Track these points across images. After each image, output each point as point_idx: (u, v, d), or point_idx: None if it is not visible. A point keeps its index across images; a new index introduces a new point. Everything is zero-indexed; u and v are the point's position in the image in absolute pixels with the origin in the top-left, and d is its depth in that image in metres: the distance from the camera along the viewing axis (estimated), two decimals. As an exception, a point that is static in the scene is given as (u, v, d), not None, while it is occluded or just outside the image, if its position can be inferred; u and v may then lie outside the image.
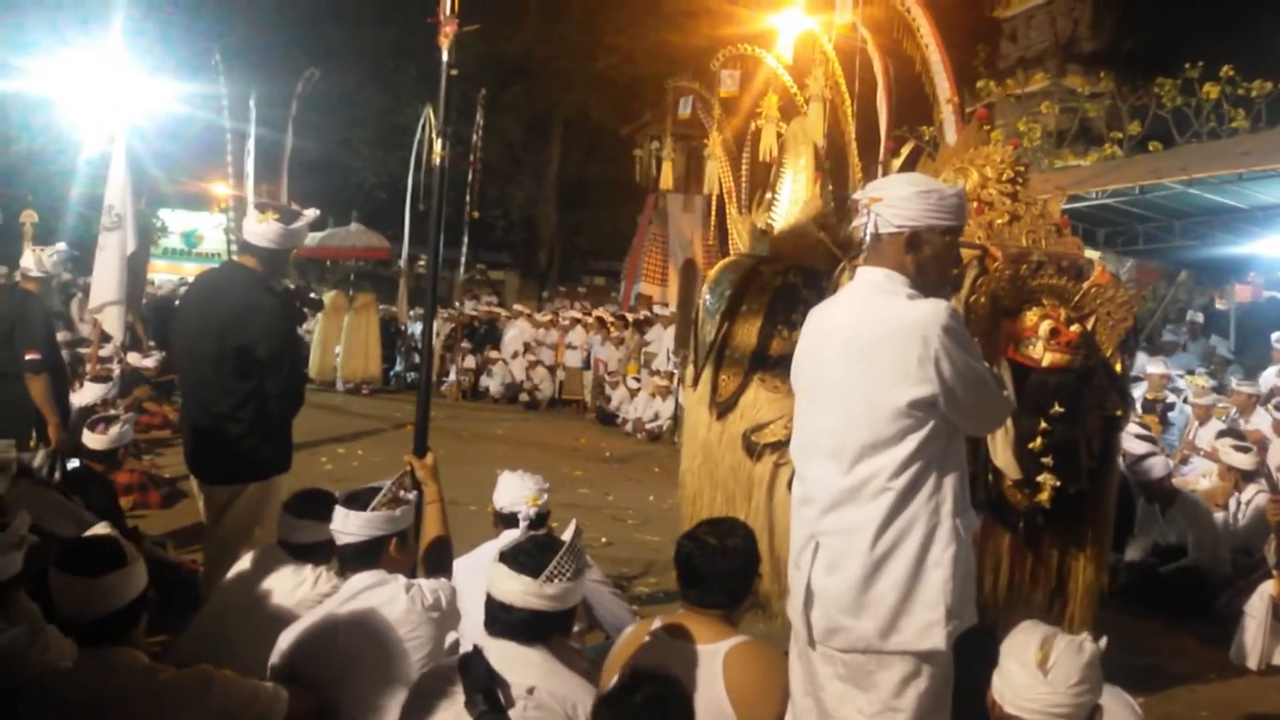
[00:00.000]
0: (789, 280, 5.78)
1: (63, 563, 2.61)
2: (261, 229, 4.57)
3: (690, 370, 6.18)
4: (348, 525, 3.15)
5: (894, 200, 2.69)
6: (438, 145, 3.84)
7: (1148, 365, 10.08)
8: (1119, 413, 4.25)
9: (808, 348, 2.90)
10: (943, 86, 8.10)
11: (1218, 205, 10.77)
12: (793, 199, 6.28)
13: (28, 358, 6.13)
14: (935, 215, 2.69)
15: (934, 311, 2.59)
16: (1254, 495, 6.78)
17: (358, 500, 3.20)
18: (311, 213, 4.84)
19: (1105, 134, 16.50)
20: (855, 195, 2.84)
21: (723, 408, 5.69)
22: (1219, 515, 6.85)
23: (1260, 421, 8.56)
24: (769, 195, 6.56)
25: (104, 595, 2.57)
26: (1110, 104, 16.77)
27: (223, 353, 4.47)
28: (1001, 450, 3.97)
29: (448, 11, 3.76)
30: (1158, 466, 6.76)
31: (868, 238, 2.75)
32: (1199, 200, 10.65)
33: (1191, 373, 10.76)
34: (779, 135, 6.92)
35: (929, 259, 2.72)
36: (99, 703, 2.49)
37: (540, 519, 4.12)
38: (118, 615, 2.59)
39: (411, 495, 3.45)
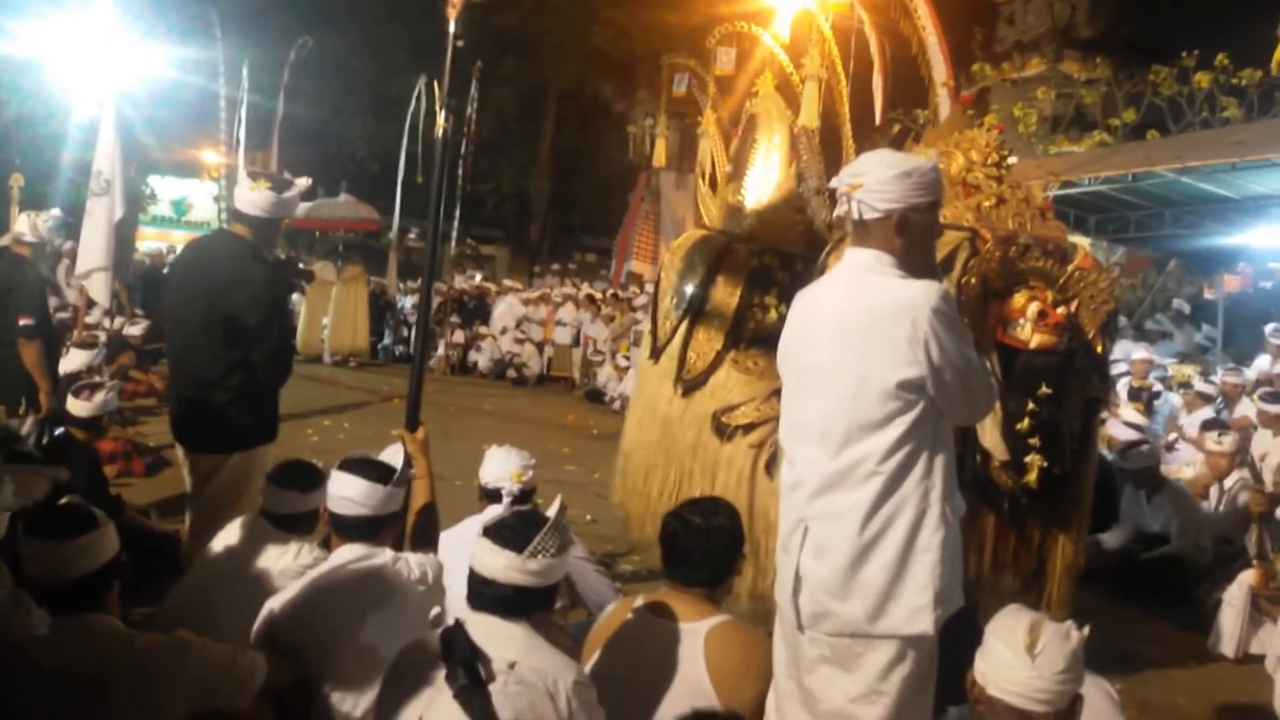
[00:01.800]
0: (765, 261, 5.75)
1: (32, 528, 2.59)
2: (253, 197, 4.54)
3: (648, 342, 6.12)
4: (371, 498, 3.11)
5: (875, 185, 2.67)
6: (440, 117, 3.80)
7: (1133, 351, 10.13)
8: (1099, 395, 4.28)
9: (795, 331, 2.89)
10: (939, 69, 8.09)
11: (1209, 194, 10.79)
12: (764, 177, 6.24)
13: (21, 323, 6.09)
14: (917, 194, 2.67)
15: (925, 293, 2.58)
16: (1236, 483, 6.83)
17: (377, 471, 3.17)
18: (304, 181, 4.80)
19: (1100, 120, 16.48)
20: (833, 182, 2.80)
21: (689, 385, 5.64)
22: (1202, 504, 6.89)
23: (1246, 411, 8.60)
24: (731, 169, 6.52)
25: (75, 558, 2.55)
26: (1106, 90, 16.74)
27: (210, 321, 4.45)
28: (989, 431, 3.99)
29: (457, -17, 3.72)
30: (1148, 453, 6.79)
31: (851, 223, 2.74)
32: (1191, 189, 10.67)
33: (1181, 362, 10.80)
34: (748, 110, 6.85)
35: (916, 237, 2.72)
36: (76, 670, 2.48)
37: (525, 495, 4.11)
38: (89, 579, 2.57)
39: (413, 473, 3.44)
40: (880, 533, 2.62)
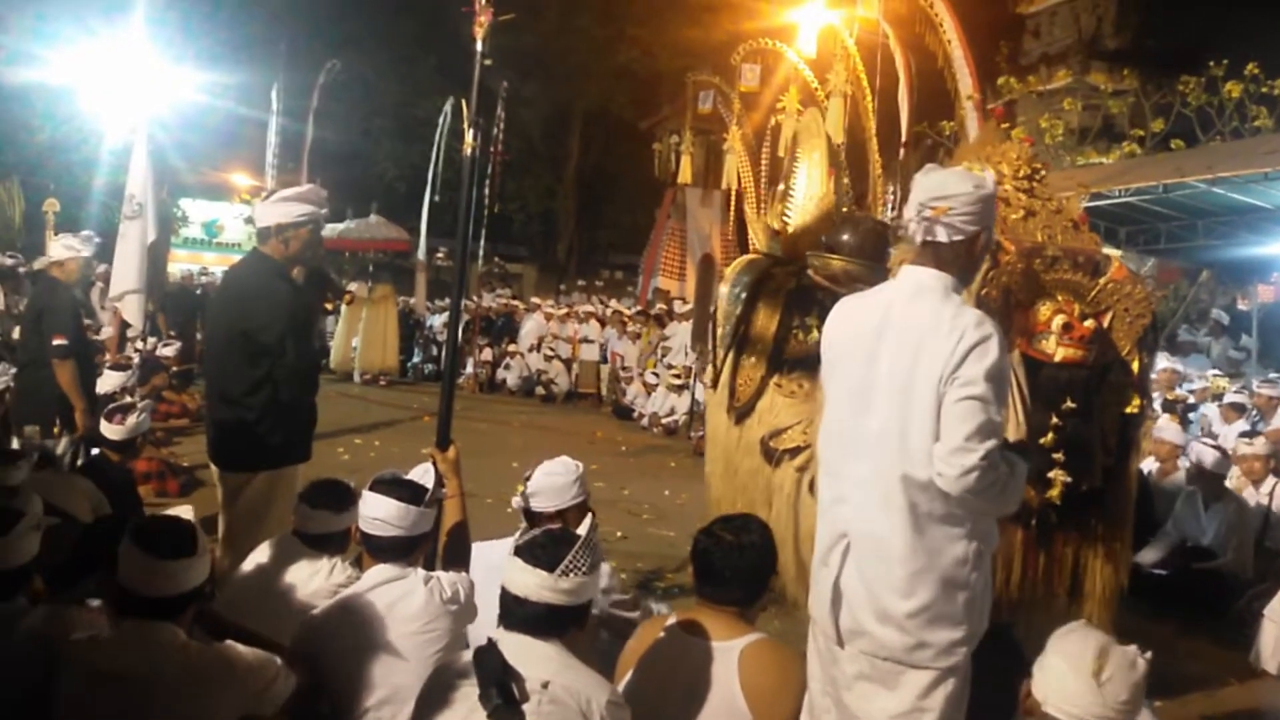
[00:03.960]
0: (804, 282, 5.74)
1: (136, 537, 2.65)
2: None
3: (710, 371, 6.15)
4: (403, 519, 3.09)
5: (964, 207, 2.64)
6: (469, 136, 3.81)
7: (1159, 361, 10.02)
8: (1137, 410, 4.22)
9: (844, 344, 2.83)
10: (965, 82, 8.06)
11: (1242, 205, 10.67)
12: (807, 195, 6.24)
13: (55, 343, 6.16)
14: (992, 214, 2.71)
15: (980, 321, 2.59)
16: (1273, 488, 6.76)
17: (409, 492, 3.16)
18: (312, 187, 4.84)
19: (1128, 131, 16.37)
20: (914, 206, 2.70)
21: (740, 412, 5.67)
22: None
23: (1281, 423, 8.51)
24: (781, 189, 6.52)
25: (165, 578, 2.62)
26: (1134, 101, 16.63)
27: (233, 339, 4.53)
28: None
29: (483, 0, 3.75)
30: (1213, 455, 6.71)
31: (931, 243, 2.69)
32: (1223, 199, 10.56)
33: (1220, 374, 10.69)
34: (790, 127, 6.87)
35: (980, 256, 2.77)
36: (130, 673, 2.54)
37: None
38: (172, 600, 2.64)
39: (444, 492, 3.45)
40: (922, 569, 2.61)
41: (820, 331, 5.50)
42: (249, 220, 21.41)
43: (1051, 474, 3.93)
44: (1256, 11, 17.11)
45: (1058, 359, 3.92)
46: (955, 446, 2.51)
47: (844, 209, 6.06)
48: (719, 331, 5.90)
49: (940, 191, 2.66)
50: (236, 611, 3.48)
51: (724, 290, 5.98)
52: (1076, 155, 17.00)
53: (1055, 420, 3.92)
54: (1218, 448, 6.84)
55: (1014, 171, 4.47)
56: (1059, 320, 3.93)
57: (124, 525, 2.78)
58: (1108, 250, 5.13)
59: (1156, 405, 8.97)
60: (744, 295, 5.75)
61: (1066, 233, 4.35)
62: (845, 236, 5.58)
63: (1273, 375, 9.95)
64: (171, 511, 3.05)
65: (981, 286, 3.89)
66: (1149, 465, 7.51)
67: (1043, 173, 4.59)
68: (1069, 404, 3.91)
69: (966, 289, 3.72)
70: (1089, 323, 3.96)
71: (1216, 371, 10.98)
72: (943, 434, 2.55)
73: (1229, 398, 9.17)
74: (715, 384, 5.96)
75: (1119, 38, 21.57)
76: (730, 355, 5.76)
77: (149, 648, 2.59)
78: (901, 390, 2.62)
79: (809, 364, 5.53)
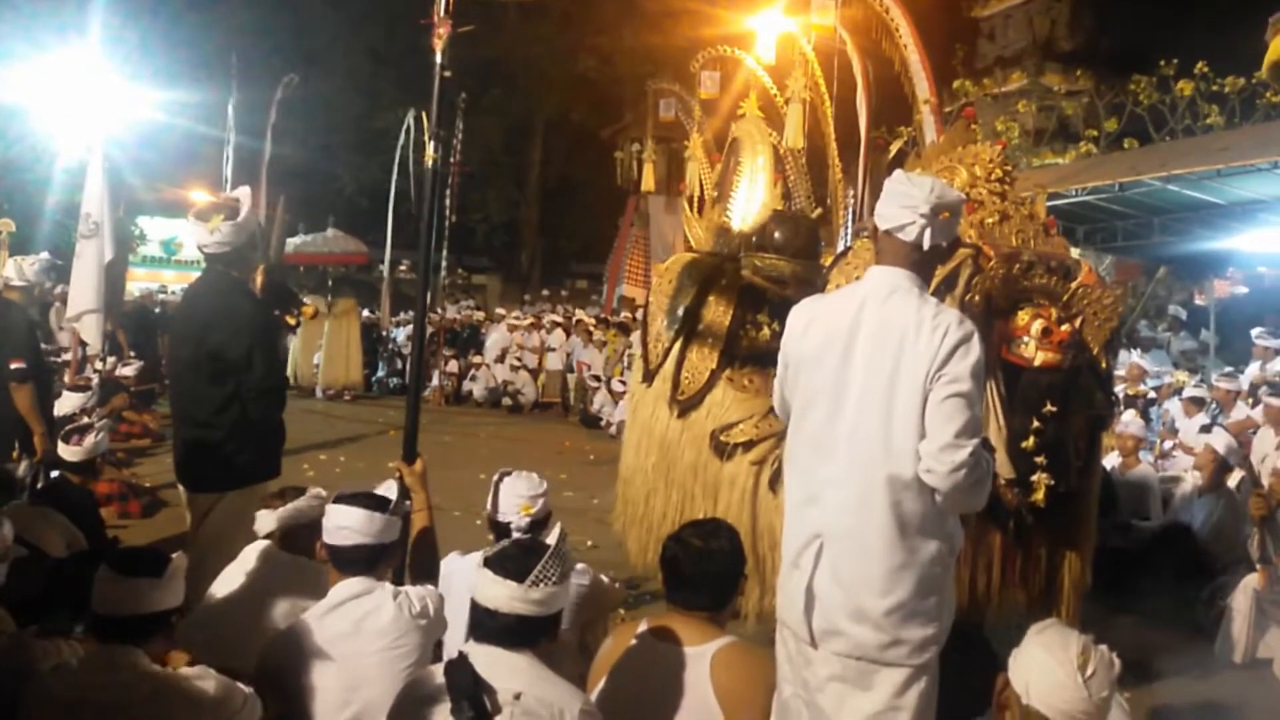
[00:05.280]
0: (753, 279, 5.78)
1: (110, 559, 2.69)
2: (217, 236, 4.53)
3: (639, 365, 6.11)
4: (369, 527, 3.06)
5: (955, 215, 2.74)
6: (429, 148, 3.80)
7: (1128, 356, 10.16)
8: (1103, 412, 4.27)
9: (815, 346, 2.82)
10: (921, 87, 8.15)
11: (1197, 201, 10.84)
12: (750, 198, 6.27)
13: (12, 366, 6.07)
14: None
15: (961, 320, 2.65)
16: (1240, 480, 6.87)
17: (374, 500, 3.14)
18: (243, 191, 4.82)
19: (1082, 132, 16.58)
20: (926, 209, 2.69)
21: (685, 405, 5.63)
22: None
23: (1240, 416, 8.61)
24: (716, 193, 6.55)
25: (135, 597, 2.62)
26: (1088, 102, 16.85)
27: (198, 359, 4.47)
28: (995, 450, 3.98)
29: (441, 12, 3.74)
30: (1228, 441, 6.86)
31: (908, 245, 2.73)
32: (1178, 196, 10.71)
33: (1176, 367, 10.83)
34: (731, 133, 6.90)
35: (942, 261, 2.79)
36: (96, 700, 2.52)
37: (536, 526, 3.98)
38: (144, 620, 2.64)
39: (409, 505, 3.43)
40: (900, 567, 2.64)
41: (770, 329, 5.58)
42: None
43: (1035, 477, 3.96)
44: (1204, 12, 17.41)
45: (1037, 363, 3.95)
46: (945, 443, 2.56)
47: (779, 208, 6.08)
48: (653, 326, 5.88)
49: (943, 199, 2.72)
50: (206, 626, 3.44)
51: (662, 284, 5.97)
52: (1032, 156, 17.19)
53: (1036, 424, 3.94)
54: (1236, 436, 7.04)
55: (987, 174, 4.47)
56: (1038, 325, 3.96)
57: (96, 561, 2.78)
58: (1075, 254, 5.18)
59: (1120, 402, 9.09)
60: (692, 291, 5.75)
61: (1038, 236, 4.38)
62: (788, 236, 5.62)
63: (1229, 369, 10.08)
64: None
65: (965, 292, 3.91)
66: (1112, 460, 7.61)
67: (1013, 175, 4.62)
68: (1049, 407, 3.94)
69: (950, 295, 3.78)
70: (1065, 327, 4.00)
71: (1169, 367, 11.14)
72: (930, 431, 2.59)
73: (1188, 391, 9.29)
74: (649, 377, 5.91)
75: (1073, 39, 21.78)
76: (676, 347, 5.74)
77: (116, 675, 2.56)
78: (882, 390, 2.64)
79: (759, 360, 5.57)
